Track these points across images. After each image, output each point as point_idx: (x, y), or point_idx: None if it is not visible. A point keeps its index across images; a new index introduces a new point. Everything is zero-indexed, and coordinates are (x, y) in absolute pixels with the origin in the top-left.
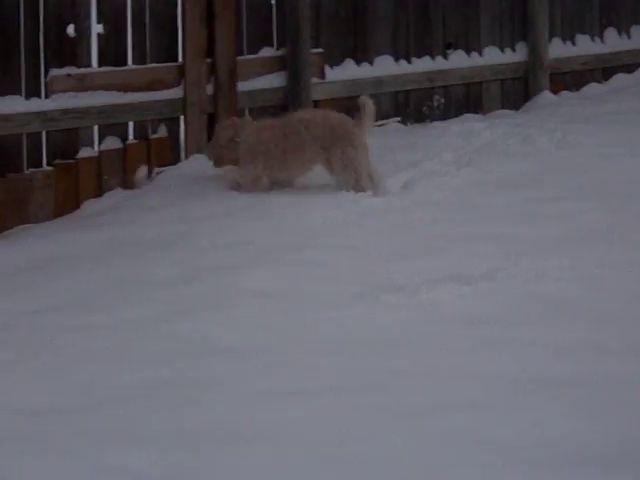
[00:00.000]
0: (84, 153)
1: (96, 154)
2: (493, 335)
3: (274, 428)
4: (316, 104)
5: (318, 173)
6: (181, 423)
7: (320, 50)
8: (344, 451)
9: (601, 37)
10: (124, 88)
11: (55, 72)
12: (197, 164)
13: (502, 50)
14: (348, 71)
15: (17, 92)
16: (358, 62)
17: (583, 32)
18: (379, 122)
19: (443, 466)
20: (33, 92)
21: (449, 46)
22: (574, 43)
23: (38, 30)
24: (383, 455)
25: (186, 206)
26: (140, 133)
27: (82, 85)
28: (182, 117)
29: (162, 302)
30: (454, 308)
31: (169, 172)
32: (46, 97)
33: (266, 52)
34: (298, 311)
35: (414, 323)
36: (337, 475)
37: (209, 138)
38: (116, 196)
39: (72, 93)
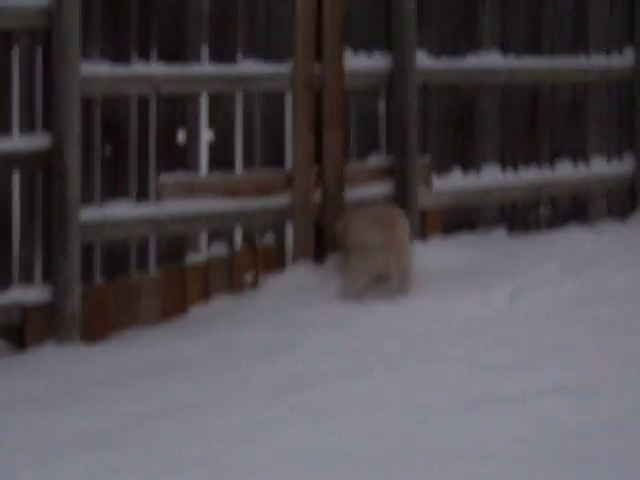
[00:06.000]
0: (192, 259)
1: (205, 259)
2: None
3: None
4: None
5: None
6: None
7: (427, 160)
8: None
9: None
10: (232, 194)
11: (165, 177)
12: (303, 271)
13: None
14: (455, 180)
15: (127, 196)
16: (465, 171)
17: None
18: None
19: None
20: (142, 197)
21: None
22: None
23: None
24: None
25: (293, 313)
26: (248, 239)
27: (191, 191)
28: (290, 224)
29: (268, 409)
30: (563, 420)
31: (275, 279)
32: (156, 201)
33: (374, 161)
34: (408, 420)
35: (527, 434)
36: None
37: (316, 244)
38: (223, 302)
39: (181, 198)
